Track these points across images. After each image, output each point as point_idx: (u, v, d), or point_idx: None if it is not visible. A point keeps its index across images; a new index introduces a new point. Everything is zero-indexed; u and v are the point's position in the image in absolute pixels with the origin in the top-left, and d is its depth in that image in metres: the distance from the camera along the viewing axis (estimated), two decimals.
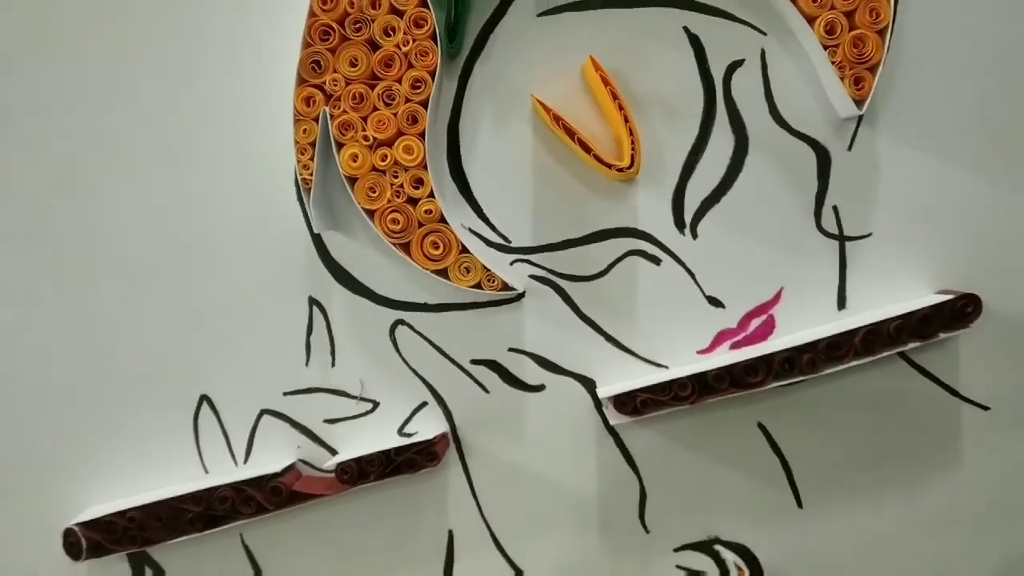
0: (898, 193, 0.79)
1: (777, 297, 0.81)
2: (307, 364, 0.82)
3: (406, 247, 0.77)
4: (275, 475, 0.79)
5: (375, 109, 0.75)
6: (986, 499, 0.82)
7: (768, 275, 0.80)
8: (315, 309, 0.82)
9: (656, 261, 0.81)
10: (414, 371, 0.82)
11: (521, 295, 0.81)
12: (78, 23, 0.80)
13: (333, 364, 0.82)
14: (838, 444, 0.82)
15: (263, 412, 0.82)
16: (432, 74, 0.75)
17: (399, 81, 0.75)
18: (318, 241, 0.81)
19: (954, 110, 0.78)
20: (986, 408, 0.81)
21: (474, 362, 0.82)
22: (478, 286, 0.77)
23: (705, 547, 0.83)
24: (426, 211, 0.76)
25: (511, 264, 0.81)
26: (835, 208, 0.80)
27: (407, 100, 0.75)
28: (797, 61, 0.78)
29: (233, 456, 0.83)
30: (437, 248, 0.77)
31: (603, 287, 0.81)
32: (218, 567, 0.84)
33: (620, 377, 0.81)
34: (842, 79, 0.74)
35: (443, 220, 0.76)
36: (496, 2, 0.78)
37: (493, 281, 0.77)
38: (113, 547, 0.79)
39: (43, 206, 0.81)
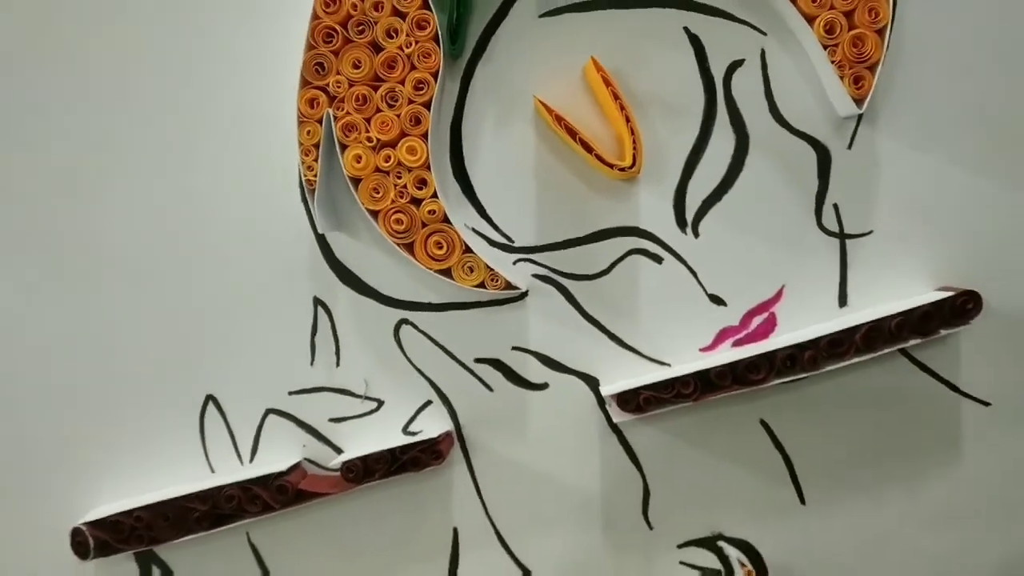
0: (898, 191, 0.80)
1: (779, 295, 0.81)
2: (312, 364, 0.83)
3: (410, 247, 0.77)
4: (281, 474, 0.79)
5: (378, 110, 0.76)
6: (987, 494, 0.83)
7: (769, 273, 0.81)
8: (320, 309, 0.82)
9: (658, 260, 0.81)
10: (418, 370, 0.82)
11: (524, 294, 0.81)
12: (80, 24, 0.80)
13: (338, 363, 0.82)
14: (840, 440, 0.82)
15: (269, 411, 0.83)
16: (435, 75, 0.75)
17: (402, 83, 0.75)
18: (322, 242, 0.82)
19: (953, 108, 0.79)
20: (987, 404, 0.82)
21: (478, 361, 0.82)
22: (481, 285, 0.78)
23: (709, 543, 0.84)
24: (429, 211, 0.77)
25: (514, 263, 0.82)
26: (835, 206, 0.80)
27: (410, 101, 0.76)
28: (797, 60, 0.79)
29: (239, 455, 0.83)
30: (441, 248, 0.77)
31: (606, 286, 0.81)
32: (225, 566, 0.84)
33: (623, 375, 0.82)
34: (842, 78, 0.75)
35: (446, 220, 0.77)
36: (497, 3, 0.79)
37: (496, 280, 0.78)
38: (120, 546, 0.79)
39: (49, 207, 0.82)
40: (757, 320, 0.81)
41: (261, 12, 0.80)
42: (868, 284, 0.81)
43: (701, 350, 0.82)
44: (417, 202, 0.77)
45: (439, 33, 0.75)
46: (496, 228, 0.81)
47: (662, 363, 0.82)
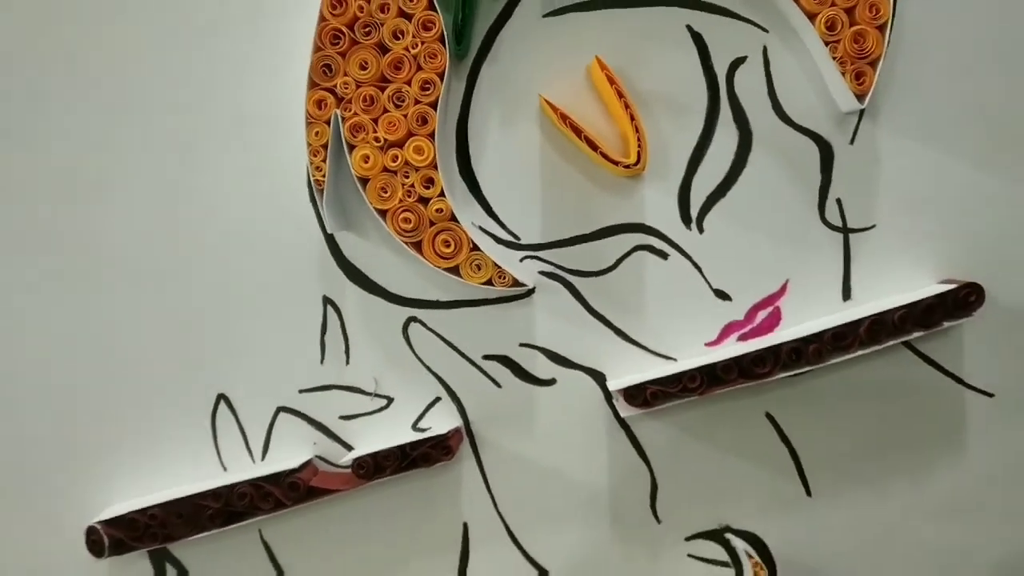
0: (900, 185, 0.80)
1: (783, 289, 0.82)
2: (322, 362, 0.83)
3: (418, 246, 0.78)
4: (292, 471, 0.80)
5: (385, 111, 0.76)
6: (991, 486, 0.83)
7: (774, 268, 0.81)
8: (329, 308, 0.83)
9: (663, 255, 0.82)
10: (427, 367, 0.83)
11: (531, 291, 0.82)
12: (84, 25, 0.81)
13: (348, 362, 0.83)
14: (845, 433, 0.83)
15: (280, 410, 0.84)
16: (441, 76, 0.76)
17: (408, 83, 0.76)
18: (331, 241, 0.82)
19: (954, 102, 0.79)
20: (990, 395, 0.82)
21: (486, 357, 0.83)
22: (489, 283, 0.78)
23: (716, 536, 0.84)
24: (437, 210, 0.77)
25: (521, 261, 0.82)
26: (839, 201, 0.81)
27: (417, 102, 0.76)
28: (799, 57, 0.79)
29: (251, 453, 0.84)
30: (448, 246, 0.78)
31: (612, 282, 0.82)
32: (238, 563, 0.85)
33: (630, 370, 0.82)
34: (843, 74, 0.75)
35: (454, 219, 0.77)
36: (502, 4, 0.80)
37: (503, 278, 0.78)
38: (135, 544, 0.80)
39: (59, 208, 0.82)
40: (762, 314, 0.82)
41: (269, 15, 0.80)
42: (871, 278, 0.81)
43: (707, 344, 0.82)
44: (425, 201, 0.77)
45: (445, 34, 0.75)
46: (503, 226, 0.82)
47: (668, 358, 0.83)
